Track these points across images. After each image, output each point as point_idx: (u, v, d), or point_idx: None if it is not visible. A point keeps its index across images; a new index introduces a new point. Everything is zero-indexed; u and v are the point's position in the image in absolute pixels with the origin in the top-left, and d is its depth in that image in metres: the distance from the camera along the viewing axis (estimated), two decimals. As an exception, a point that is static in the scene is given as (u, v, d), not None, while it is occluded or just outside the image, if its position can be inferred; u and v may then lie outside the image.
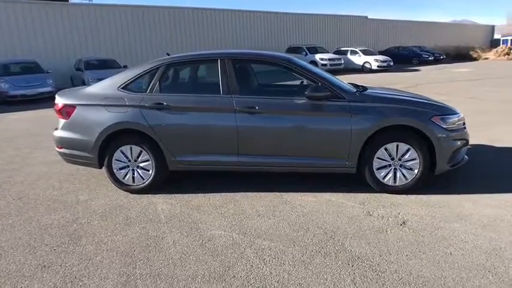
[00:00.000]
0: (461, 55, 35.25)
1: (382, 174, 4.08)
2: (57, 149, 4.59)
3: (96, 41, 21.33)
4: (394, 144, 3.99)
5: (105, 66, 16.44)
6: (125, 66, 16.02)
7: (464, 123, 4.27)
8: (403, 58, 29.65)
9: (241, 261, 2.94)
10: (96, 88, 4.52)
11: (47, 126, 8.55)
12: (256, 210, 3.86)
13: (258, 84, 5.26)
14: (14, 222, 3.76)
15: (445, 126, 3.97)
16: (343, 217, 3.64)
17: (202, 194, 4.30)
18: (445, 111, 4.14)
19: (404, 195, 4.06)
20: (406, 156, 4.00)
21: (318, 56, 23.88)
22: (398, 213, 3.67)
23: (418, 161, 3.98)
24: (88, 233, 3.49)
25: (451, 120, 4.05)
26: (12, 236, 3.46)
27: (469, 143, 4.39)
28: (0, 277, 2.82)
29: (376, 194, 4.11)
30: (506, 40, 41.43)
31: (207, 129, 4.18)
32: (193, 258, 3.00)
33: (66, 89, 5.04)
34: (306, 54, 24.25)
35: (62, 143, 4.49)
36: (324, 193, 4.20)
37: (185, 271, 2.83)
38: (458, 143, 4.10)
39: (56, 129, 4.55)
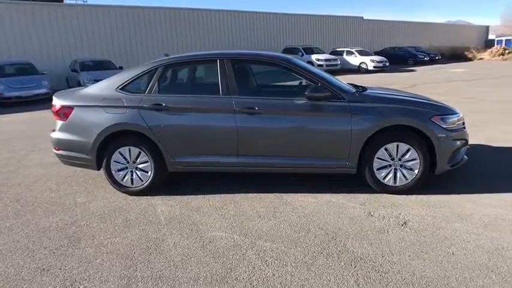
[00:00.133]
0: (457, 55, 35.47)
1: (382, 174, 4.07)
2: (55, 151, 4.54)
3: (92, 42, 21.23)
4: (394, 144, 3.98)
5: (101, 67, 16.36)
6: (121, 68, 15.94)
7: (463, 123, 4.28)
8: (398, 58, 29.77)
9: (243, 262, 2.92)
10: (94, 89, 4.48)
11: (43, 128, 8.48)
12: (257, 211, 3.84)
13: (257, 85, 5.25)
14: (11, 225, 3.72)
15: (445, 126, 3.97)
16: (344, 218, 3.62)
17: (201, 195, 4.27)
18: (445, 111, 4.14)
19: (405, 196, 4.05)
20: (407, 157, 3.99)
21: (314, 57, 23.90)
22: (399, 214, 3.66)
23: (418, 161, 3.97)
24: (87, 235, 3.45)
25: (451, 120, 4.05)
26: (10, 239, 3.41)
27: (468, 143, 4.40)
28: (-1, 281, 2.78)
29: (376, 195, 4.10)
30: (501, 40, 41.73)
31: (207, 130, 4.15)
32: (195, 260, 2.97)
33: (64, 90, 4.99)
34: (302, 54, 24.26)
35: (60, 144, 4.44)
36: (324, 194, 4.19)
37: (187, 273, 2.81)
38: (458, 142, 4.10)
39: (53, 130, 4.50)
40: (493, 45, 40.25)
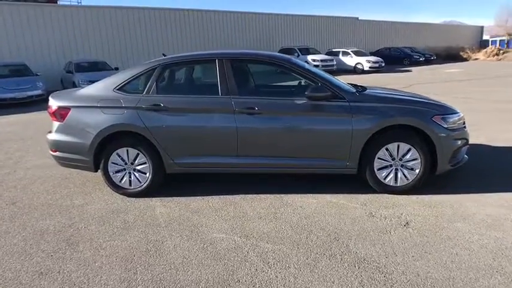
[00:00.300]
0: (452, 56, 35.67)
1: (383, 174, 4.04)
2: (51, 153, 4.47)
3: (86, 42, 21.11)
4: (395, 144, 3.96)
5: (96, 68, 16.27)
6: (117, 68, 15.84)
7: (464, 123, 4.26)
8: (394, 59, 29.87)
9: (245, 264, 2.88)
10: (91, 90, 4.41)
11: (38, 130, 8.41)
12: (257, 212, 3.80)
13: (257, 85, 5.20)
14: (8, 228, 3.65)
15: (446, 126, 3.95)
16: (346, 219, 3.59)
17: (201, 197, 4.22)
18: (446, 111, 4.12)
19: (406, 196, 4.02)
20: (407, 156, 3.97)
21: (310, 57, 23.90)
22: (401, 214, 3.63)
23: (419, 160, 3.95)
24: (85, 238, 3.39)
25: (451, 120, 4.03)
26: (7, 243, 3.34)
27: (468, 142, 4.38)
28: (-4, 285, 2.72)
29: (377, 195, 4.07)
30: (495, 41, 42.02)
31: (206, 130, 4.10)
32: (196, 263, 2.92)
33: (60, 91, 4.94)
34: (298, 55, 24.25)
35: (56, 146, 4.37)
36: (324, 194, 4.16)
37: (188, 276, 2.76)
38: (459, 142, 4.08)
39: (50, 132, 4.44)
40: (488, 46, 40.51)
